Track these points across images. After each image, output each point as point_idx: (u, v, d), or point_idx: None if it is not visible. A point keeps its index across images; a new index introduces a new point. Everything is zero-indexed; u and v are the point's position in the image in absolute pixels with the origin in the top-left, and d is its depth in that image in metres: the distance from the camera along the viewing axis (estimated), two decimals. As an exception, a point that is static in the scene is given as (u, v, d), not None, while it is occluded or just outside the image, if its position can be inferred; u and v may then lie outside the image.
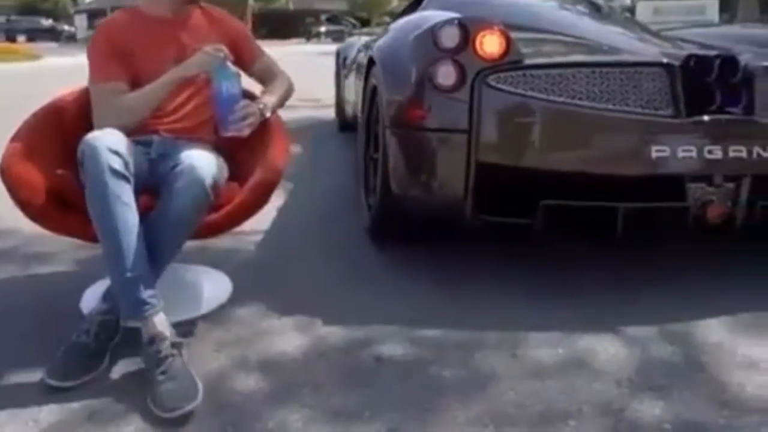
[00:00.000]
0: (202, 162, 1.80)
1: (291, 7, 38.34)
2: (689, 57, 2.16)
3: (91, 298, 2.18)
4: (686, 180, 2.15)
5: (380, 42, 2.75)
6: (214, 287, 2.23)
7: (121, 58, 2.00)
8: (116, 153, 1.72)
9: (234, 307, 2.12)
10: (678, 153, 2.12)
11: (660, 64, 2.17)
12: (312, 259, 2.55)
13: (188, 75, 1.99)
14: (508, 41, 2.15)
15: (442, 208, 2.26)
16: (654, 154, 2.11)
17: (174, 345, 1.67)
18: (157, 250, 1.77)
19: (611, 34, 2.79)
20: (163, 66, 2.00)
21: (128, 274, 1.67)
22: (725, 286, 2.25)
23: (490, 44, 2.16)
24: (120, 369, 1.75)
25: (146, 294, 1.67)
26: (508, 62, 2.15)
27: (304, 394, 1.66)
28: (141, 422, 1.54)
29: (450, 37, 2.19)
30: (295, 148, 4.29)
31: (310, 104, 6.68)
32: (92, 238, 1.82)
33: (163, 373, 1.62)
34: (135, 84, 2.01)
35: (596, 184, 2.12)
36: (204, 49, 1.99)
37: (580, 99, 2.13)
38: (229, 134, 1.96)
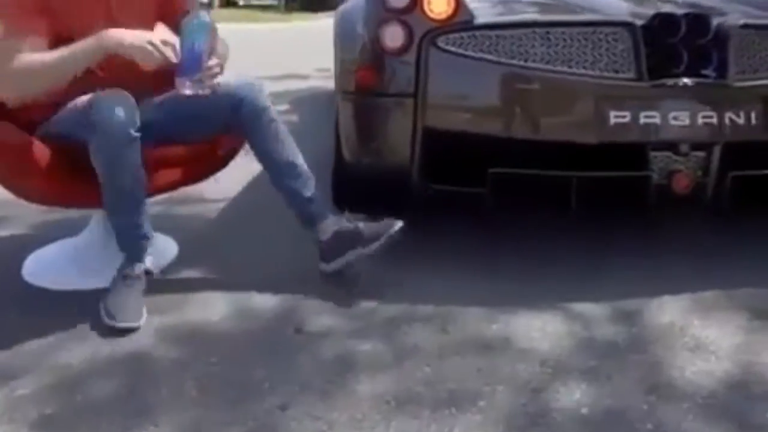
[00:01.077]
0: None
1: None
2: (654, 16, 1.98)
3: (33, 264, 2.17)
4: (649, 148, 2.00)
5: (343, 5, 2.64)
6: (159, 250, 2.17)
7: (42, 11, 1.80)
8: (131, 119, 1.73)
9: (173, 272, 2.07)
10: (640, 119, 1.96)
11: (621, 24, 1.99)
12: (267, 229, 2.46)
13: (119, 53, 1.77)
14: (458, 1, 2.02)
15: (392, 177, 2.15)
16: (613, 120, 1.95)
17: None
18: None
19: None
20: (90, 25, 1.80)
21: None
22: (690, 263, 2.09)
23: (438, 4, 2.02)
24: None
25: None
26: (458, 23, 2.01)
27: (210, 363, 1.59)
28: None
29: (396, -2, 2.08)
30: (291, 117, 4.24)
31: (325, 74, 6.59)
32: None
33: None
34: (53, 46, 1.81)
35: (550, 152, 1.98)
36: (152, 38, 1.77)
37: (533, 61, 1.98)
38: (189, 93, 1.83)
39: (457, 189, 2.03)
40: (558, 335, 1.70)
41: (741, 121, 2.00)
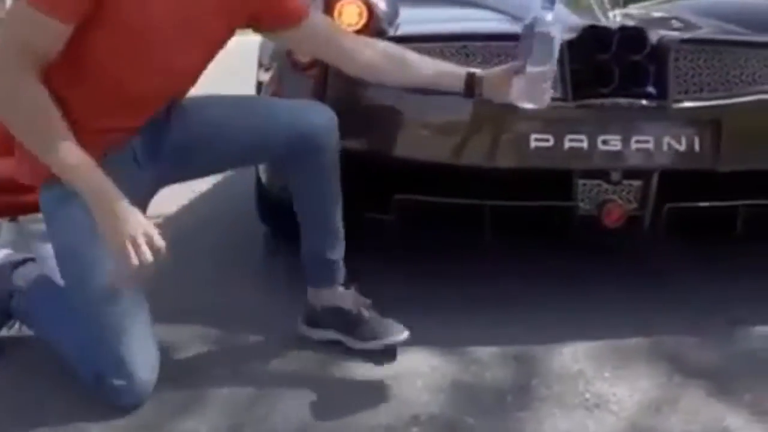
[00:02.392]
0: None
1: None
2: (583, 30, 1.79)
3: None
4: (576, 176, 1.80)
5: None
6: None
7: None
8: None
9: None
10: (564, 143, 1.77)
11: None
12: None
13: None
14: (371, 11, 1.86)
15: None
16: (534, 144, 1.76)
17: None
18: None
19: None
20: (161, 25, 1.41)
21: None
22: (618, 303, 1.87)
23: (350, 15, 1.85)
24: None
25: None
26: (369, 36, 1.87)
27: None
28: None
29: (316, 2, 1.93)
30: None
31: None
32: None
33: None
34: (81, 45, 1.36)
35: (463, 177, 1.80)
36: (144, 232, 1.30)
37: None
38: (531, 107, 1.54)
39: (363, 215, 1.87)
40: (443, 384, 1.51)
41: (681, 147, 1.79)
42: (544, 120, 1.76)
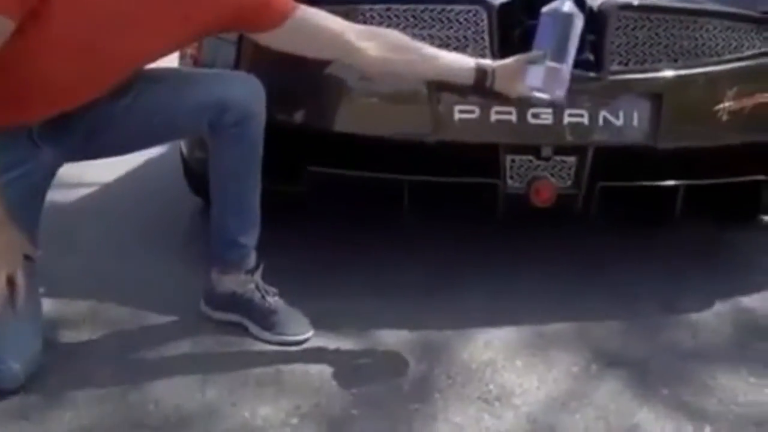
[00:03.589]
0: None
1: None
2: (515, -8, 1.66)
3: None
4: (503, 151, 1.67)
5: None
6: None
7: None
8: None
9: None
10: (491, 116, 1.63)
11: (474, 1, 1.66)
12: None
13: None
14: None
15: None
16: (458, 116, 1.63)
17: None
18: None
19: None
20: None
21: None
22: (544, 286, 1.75)
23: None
24: None
25: None
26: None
27: None
28: None
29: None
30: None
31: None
32: None
33: None
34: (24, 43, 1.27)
35: (381, 150, 1.68)
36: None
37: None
38: (546, 98, 1.48)
39: (275, 187, 1.75)
40: (339, 373, 1.40)
41: (618, 122, 1.66)
42: (470, 90, 1.63)
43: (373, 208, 1.80)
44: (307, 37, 1.49)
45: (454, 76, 1.51)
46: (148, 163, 2.61)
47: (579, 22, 1.45)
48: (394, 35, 1.53)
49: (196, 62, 1.88)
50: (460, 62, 1.51)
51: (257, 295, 1.57)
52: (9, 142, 1.37)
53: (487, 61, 1.52)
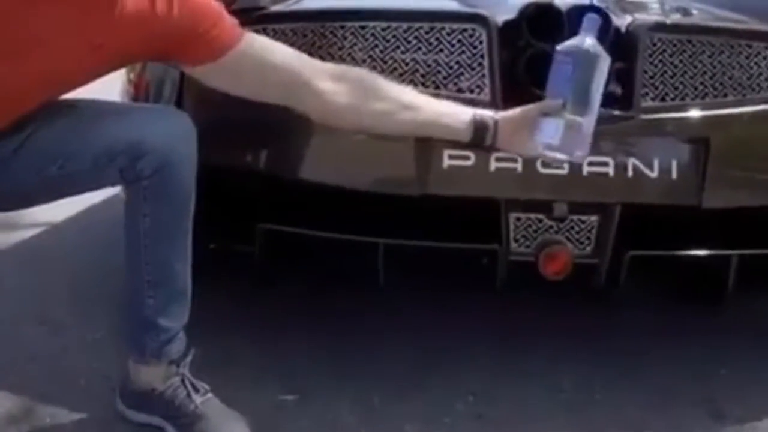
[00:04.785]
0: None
1: None
2: (523, 10, 1.32)
3: None
4: (505, 208, 1.33)
5: None
6: None
7: None
8: None
9: None
10: (490, 163, 1.29)
11: (471, 18, 1.31)
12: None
13: None
14: (240, -19, 1.41)
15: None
16: (447, 163, 1.28)
17: None
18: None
19: None
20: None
21: None
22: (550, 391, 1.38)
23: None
24: None
25: None
26: (237, 11, 1.38)
27: None
28: None
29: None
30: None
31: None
32: None
33: None
34: None
35: (351, 205, 1.33)
36: None
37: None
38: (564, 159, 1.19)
39: (218, 246, 1.40)
40: None
41: (652, 173, 1.31)
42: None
43: (341, 271, 1.46)
44: (251, 75, 1.16)
45: (444, 132, 1.20)
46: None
47: (605, 65, 1.13)
48: (370, 77, 1.20)
49: (137, 89, 1.56)
50: (453, 114, 1.20)
51: (181, 393, 1.20)
52: None
53: (488, 113, 1.20)
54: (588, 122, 1.13)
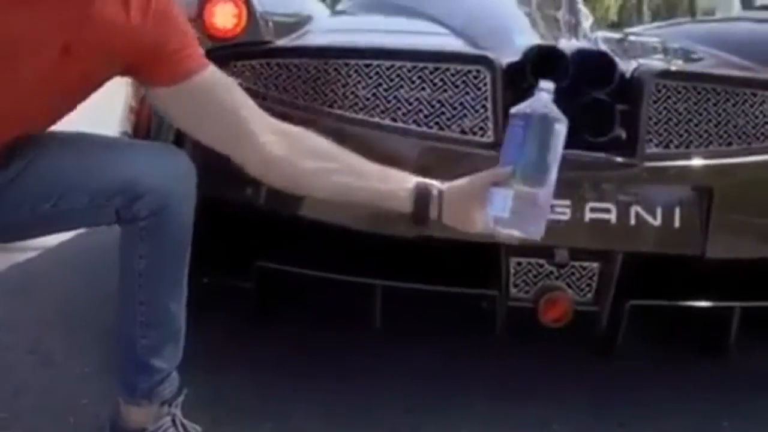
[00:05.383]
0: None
1: None
2: (527, 52, 1.30)
3: None
4: (505, 253, 1.31)
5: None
6: None
7: None
8: None
9: None
10: (491, 206, 1.29)
11: (476, 59, 1.32)
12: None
13: None
14: (250, 13, 1.40)
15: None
16: (448, 206, 1.29)
17: None
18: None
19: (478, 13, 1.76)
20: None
21: None
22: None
23: (223, 16, 1.40)
24: None
25: None
26: (244, 44, 1.38)
27: None
28: None
29: (190, 6, 1.46)
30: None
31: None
32: None
33: None
34: None
35: (347, 245, 1.31)
36: None
37: (339, 107, 1.32)
38: (501, 230, 1.02)
39: (213, 281, 1.38)
40: None
41: (655, 221, 1.29)
42: (467, 173, 1.26)
43: (337, 309, 1.44)
44: (200, 108, 1.09)
45: (383, 199, 1.08)
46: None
47: (561, 128, 1.01)
48: (317, 139, 1.11)
49: (139, 117, 1.55)
50: (394, 181, 1.08)
51: None
52: None
53: (434, 182, 1.07)
54: (544, 193, 1.00)
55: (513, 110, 1.03)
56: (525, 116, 1.00)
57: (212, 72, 1.10)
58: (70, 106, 1.10)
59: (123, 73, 1.12)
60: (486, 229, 1.02)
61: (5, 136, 1.05)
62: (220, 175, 1.29)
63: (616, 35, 2.03)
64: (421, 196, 1.05)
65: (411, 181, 1.07)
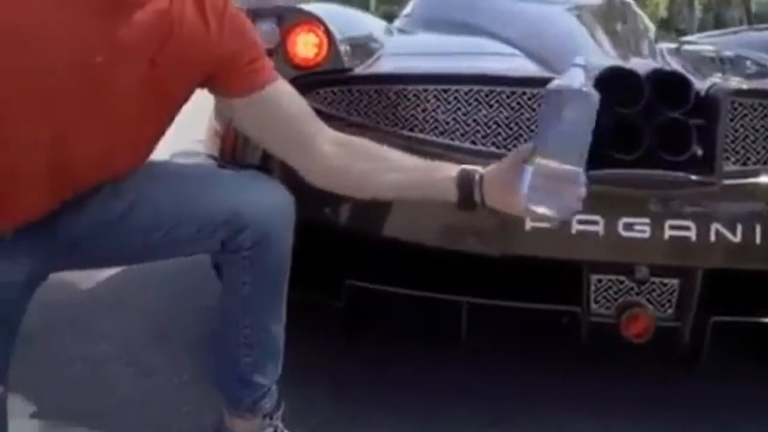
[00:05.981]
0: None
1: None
2: (603, 73, 1.32)
3: None
4: (587, 270, 1.34)
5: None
6: None
7: None
8: None
9: None
10: (572, 225, 1.31)
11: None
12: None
13: None
14: (330, 41, 1.46)
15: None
16: (529, 225, 1.30)
17: None
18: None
19: (555, 37, 1.76)
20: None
21: None
22: None
23: (305, 46, 1.47)
24: None
25: None
26: (326, 72, 1.45)
27: None
28: None
29: (268, 35, 1.54)
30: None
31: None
32: None
33: None
34: None
35: (433, 263, 1.36)
36: None
37: (420, 130, 1.38)
38: (535, 209, 0.98)
39: (312, 298, 1.44)
40: None
41: (735, 238, 1.31)
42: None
43: (425, 325, 1.48)
44: (269, 118, 1.14)
45: (431, 190, 1.08)
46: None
47: (582, 103, 0.96)
48: (367, 142, 1.15)
49: (225, 141, 1.62)
50: (440, 171, 1.09)
51: None
52: None
53: (477, 168, 1.07)
54: (565, 169, 0.95)
55: (549, 85, 1.00)
56: (555, 92, 0.99)
57: (282, 83, 1.15)
58: (161, 128, 1.15)
59: (200, 85, 1.16)
60: (522, 209, 0.99)
61: (113, 169, 1.12)
62: (309, 196, 1.36)
63: (676, 45, 2.02)
64: (465, 182, 1.05)
65: (455, 169, 1.08)
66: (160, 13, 1.04)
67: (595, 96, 0.97)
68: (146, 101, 1.08)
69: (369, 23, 1.95)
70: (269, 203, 1.16)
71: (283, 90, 1.15)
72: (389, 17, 2.98)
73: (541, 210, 0.97)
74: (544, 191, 0.96)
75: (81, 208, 1.12)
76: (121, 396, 1.52)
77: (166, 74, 1.08)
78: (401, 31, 2.26)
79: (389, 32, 1.97)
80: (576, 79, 0.97)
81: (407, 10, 2.71)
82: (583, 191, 0.96)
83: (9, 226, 1.08)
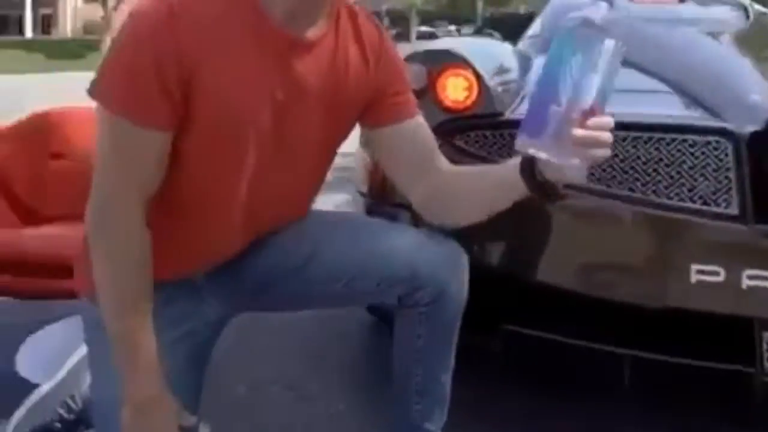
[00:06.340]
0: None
1: (523, 10, 33.42)
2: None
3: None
4: (759, 327, 1.26)
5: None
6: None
7: (178, 87, 0.97)
8: None
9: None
10: (742, 280, 1.24)
11: (715, 131, 1.29)
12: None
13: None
14: (480, 85, 1.44)
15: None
16: (695, 278, 1.25)
17: None
18: None
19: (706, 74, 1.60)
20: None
21: None
22: None
23: (456, 89, 1.47)
24: None
25: None
26: (479, 115, 1.45)
27: None
28: None
29: (416, 77, 1.54)
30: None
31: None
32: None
33: None
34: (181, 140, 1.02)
35: (595, 313, 1.33)
36: None
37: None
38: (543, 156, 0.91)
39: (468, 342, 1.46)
40: None
41: None
42: (712, 245, 1.25)
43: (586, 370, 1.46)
44: (405, 147, 1.15)
45: (506, 187, 1.05)
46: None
47: (607, 45, 0.86)
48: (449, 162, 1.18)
49: (373, 177, 1.65)
50: (506, 166, 1.06)
51: None
52: (173, 294, 1.15)
53: None
54: (556, 108, 0.85)
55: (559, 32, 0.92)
56: (571, 28, 0.91)
57: (420, 114, 1.17)
58: (330, 165, 1.19)
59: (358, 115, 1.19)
60: (573, 175, 0.93)
61: (295, 207, 1.18)
62: (470, 240, 1.37)
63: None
64: (526, 164, 0.99)
65: (518, 160, 1.03)
66: (329, 54, 1.08)
67: (610, 49, 0.86)
68: (323, 140, 1.13)
69: (500, 51, 1.90)
70: (447, 262, 1.18)
71: (421, 121, 1.17)
72: (497, 22, 2.79)
73: (538, 153, 0.89)
74: (533, 124, 0.88)
75: (264, 250, 1.19)
76: (285, 421, 1.57)
77: (338, 116, 1.12)
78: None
79: (523, 59, 1.89)
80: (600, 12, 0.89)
81: (534, 29, 2.50)
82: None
83: (202, 269, 1.17)
